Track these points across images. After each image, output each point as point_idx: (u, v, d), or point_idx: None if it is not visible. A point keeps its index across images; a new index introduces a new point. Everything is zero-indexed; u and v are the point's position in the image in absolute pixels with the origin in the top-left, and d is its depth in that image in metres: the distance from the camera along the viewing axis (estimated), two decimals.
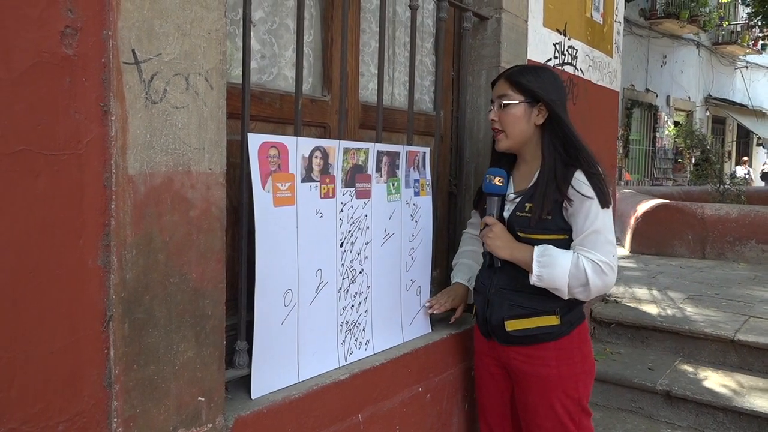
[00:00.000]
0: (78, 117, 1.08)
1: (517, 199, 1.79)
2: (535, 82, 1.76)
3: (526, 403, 1.82)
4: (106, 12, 1.10)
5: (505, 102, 1.77)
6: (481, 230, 1.85)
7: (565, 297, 1.70)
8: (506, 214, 1.80)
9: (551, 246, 1.70)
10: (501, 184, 1.78)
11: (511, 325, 1.77)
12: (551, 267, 1.66)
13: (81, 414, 1.11)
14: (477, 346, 1.99)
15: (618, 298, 3.94)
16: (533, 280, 1.69)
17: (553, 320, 1.75)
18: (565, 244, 1.72)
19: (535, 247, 1.70)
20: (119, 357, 1.15)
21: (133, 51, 1.13)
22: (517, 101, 1.76)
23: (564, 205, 1.70)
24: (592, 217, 1.67)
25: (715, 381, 2.93)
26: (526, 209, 1.74)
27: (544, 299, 1.74)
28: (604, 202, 1.68)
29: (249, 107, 1.50)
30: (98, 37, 1.10)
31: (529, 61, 2.65)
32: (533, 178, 1.78)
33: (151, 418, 1.21)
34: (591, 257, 1.65)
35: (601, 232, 1.67)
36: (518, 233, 1.75)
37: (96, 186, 1.11)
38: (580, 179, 1.69)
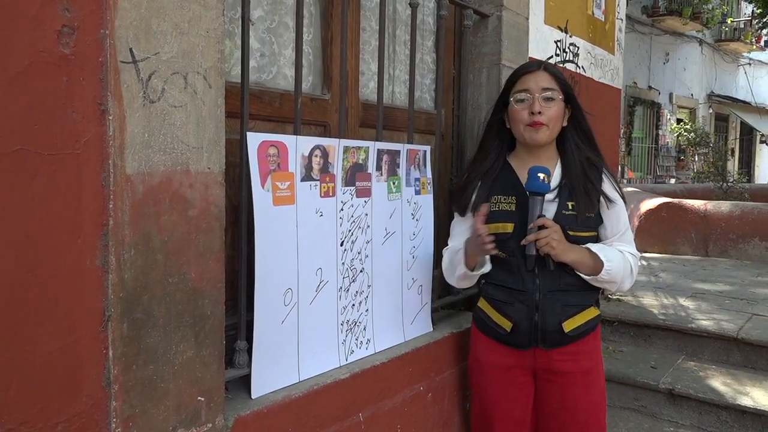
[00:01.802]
0: (75, 116, 1.07)
1: (556, 199, 1.73)
2: (569, 84, 1.79)
3: (563, 401, 1.77)
4: (103, 11, 1.09)
5: (551, 96, 1.72)
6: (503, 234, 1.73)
7: (614, 289, 1.79)
8: (545, 214, 1.68)
9: (599, 245, 1.75)
10: (549, 182, 1.64)
11: (569, 325, 1.73)
12: (615, 263, 1.71)
13: (80, 414, 1.11)
14: (497, 361, 1.82)
15: (621, 296, 3.93)
16: (603, 275, 1.69)
17: (595, 312, 1.80)
18: (595, 240, 1.78)
19: (592, 245, 1.73)
20: (118, 357, 1.15)
21: (130, 50, 1.13)
22: (560, 98, 1.75)
23: (601, 202, 1.75)
24: (624, 216, 1.79)
25: (719, 379, 2.91)
26: (570, 207, 1.72)
27: (587, 293, 1.77)
28: (626, 201, 1.81)
29: (248, 106, 1.49)
30: (95, 36, 1.09)
31: (530, 58, 2.64)
32: (551, 177, 1.73)
33: (150, 418, 1.21)
34: (630, 251, 1.77)
35: (629, 229, 1.80)
36: (568, 232, 1.70)
37: (94, 186, 1.11)
38: (609, 179, 1.78)
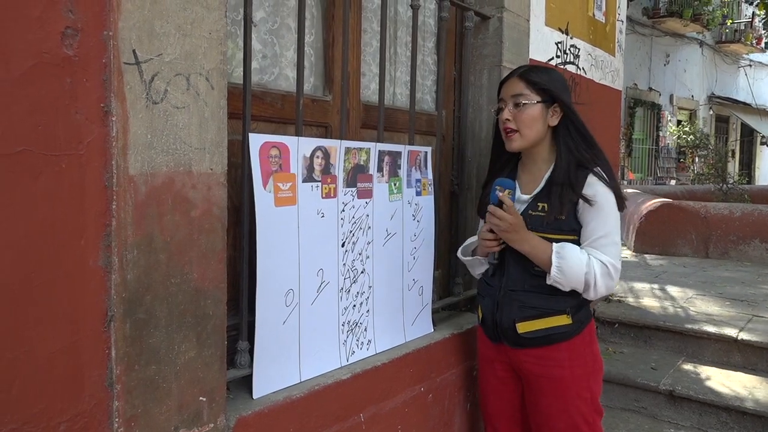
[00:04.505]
0: (79, 117, 1.08)
1: (529, 199, 1.77)
2: (551, 83, 1.77)
3: (538, 406, 1.78)
4: (106, 12, 1.10)
5: (522, 101, 1.74)
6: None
7: (581, 294, 1.71)
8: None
9: (567, 243, 1.69)
10: (510, 196, 1.70)
11: (523, 327, 1.74)
12: (569, 264, 1.65)
13: (82, 414, 1.11)
14: (483, 352, 1.94)
15: (621, 297, 3.93)
16: (553, 276, 1.66)
17: (564, 320, 1.73)
18: (575, 244, 1.73)
19: (553, 243, 1.69)
20: (120, 357, 1.15)
21: (133, 51, 1.13)
22: (534, 101, 1.74)
23: (580, 206, 1.70)
24: (605, 220, 1.70)
25: (719, 381, 2.92)
26: (539, 208, 1.73)
27: (556, 299, 1.72)
28: (621, 206, 1.72)
29: (250, 107, 1.50)
30: (99, 38, 1.10)
31: (531, 60, 2.65)
32: (542, 179, 1.78)
33: (152, 418, 1.21)
34: (601, 258, 1.67)
35: (610, 235, 1.69)
36: (532, 232, 1.72)
37: (97, 186, 1.11)
38: (596, 181, 1.70)
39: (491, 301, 1.82)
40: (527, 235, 1.70)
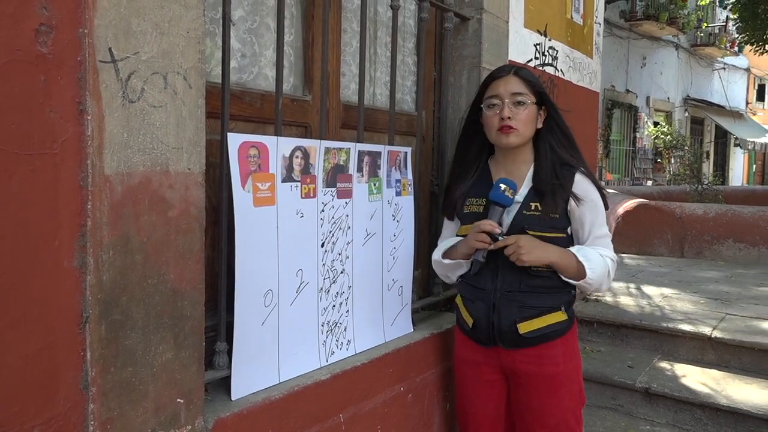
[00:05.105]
0: (53, 116, 1.06)
1: (520, 199, 1.77)
2: (542, 86, 1.81)
3: (529, 404, 1.79)
4: (81, 10, 1.08)
5: (521, 100, 1.75)
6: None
7: (593, 292, 1.79)
8: (506, 215, 1.76)
9: (582, 246, 1.75)
10: (512, 196, 1.71)
11: (525, 327, 1.73)
12: (595, 266, 1.71)
13: (57, 417, 1.09)
14: (466, 356, 1.90)
15: (598, 296, 3.98)
16: (587, 280, 1.70)
17: (561, 316, 1.76)
18: (564, 242, 1.76)
19: (574, 250, 1.73)
20: (96, 359, 1.14)
21: (109, 49, 1.12)
22: (533, 102, 1.77)
23: (570, 204, 1.73)
24: (601, 219, 1.76)
25: (693, 378, 2.97)
26: (533, 208, 1.74)
27: (551, 296, 1.75)
28: (606, 205, 1.78)
29: (228, 107, 1.49)
30: (74, 35, 1.08)
31: (510, 61, 2.67)
32: (525, 179, 1.79)
33: (128, 420, 1.20)
34: (609, 255, 1.75)
35: (608, 234, 1.78)
36: (528, 232, 1.73)
37: (72, 186, 1.09)
38: (585, 179, 1.75)
39: (485, 304, 1.78)
40: (547, 246, 1.70)
